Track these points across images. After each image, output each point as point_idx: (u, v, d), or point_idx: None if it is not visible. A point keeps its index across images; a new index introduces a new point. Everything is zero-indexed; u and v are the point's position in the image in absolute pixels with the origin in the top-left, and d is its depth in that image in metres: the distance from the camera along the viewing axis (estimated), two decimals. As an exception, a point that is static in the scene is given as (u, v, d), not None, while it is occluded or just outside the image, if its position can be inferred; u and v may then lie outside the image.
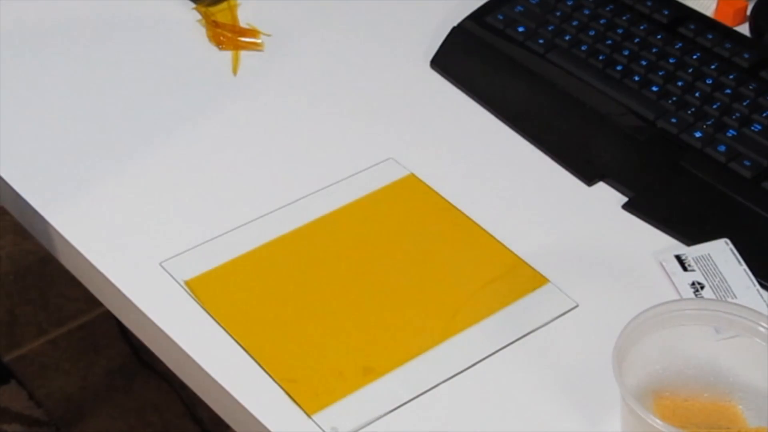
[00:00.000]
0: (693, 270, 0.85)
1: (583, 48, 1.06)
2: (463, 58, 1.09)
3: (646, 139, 0.98)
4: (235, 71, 1.08)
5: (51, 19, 1.16)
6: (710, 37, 1.05)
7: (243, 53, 1.11)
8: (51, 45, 1.10)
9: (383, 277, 0.86)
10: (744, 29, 1.09)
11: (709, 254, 0.86)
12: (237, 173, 0.95)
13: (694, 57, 1.03)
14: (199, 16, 1.16)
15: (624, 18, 1.08)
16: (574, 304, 0.85)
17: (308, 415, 0.77)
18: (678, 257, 0.87)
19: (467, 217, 0.92)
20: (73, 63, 1.09)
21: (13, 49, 1.10)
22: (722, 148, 0.95)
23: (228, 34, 1.13)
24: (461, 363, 0.81)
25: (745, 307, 0.75)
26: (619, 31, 1.07)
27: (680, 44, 1.04)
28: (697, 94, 1.00)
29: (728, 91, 0.99)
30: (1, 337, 1.83)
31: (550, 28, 1.08)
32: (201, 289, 0.86)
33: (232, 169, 0.95)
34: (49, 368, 1.80)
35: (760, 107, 0.98)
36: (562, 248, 0.90)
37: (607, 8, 1.09)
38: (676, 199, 0.94)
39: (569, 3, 1.10)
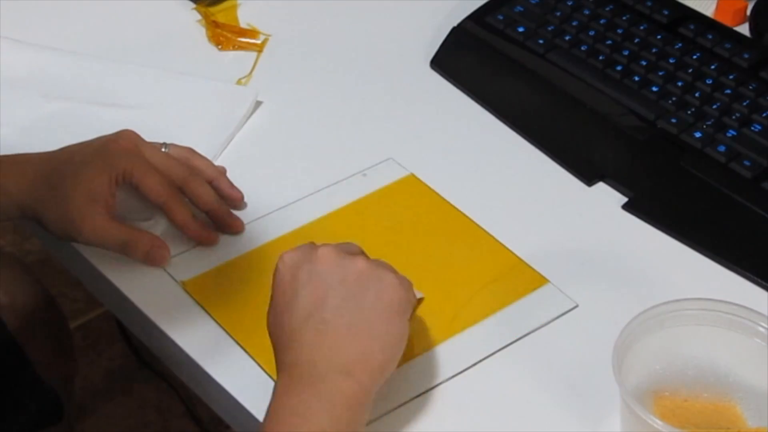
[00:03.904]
0: None
1: (583, 48, 1.06)
2: (463, 59, 1.09)
3: (646, 139, 0.98)
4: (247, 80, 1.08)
5: (51, 19, 1.16)
6: (710, 37, 1.05)
7: (244, 55, 1.11)
8: (51, 44, 1.10)
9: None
10: (744, 29, 1.09)
11: None
12: (237, 173, 0.95)
13: (694, 57, 1.03)
14: (199, 16, 1.16)
15: (624, 18, 1.08)
16: (574, 304, 0.85)
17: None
18: None
19: (467, 217, 0.92)
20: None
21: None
22: (722, 148, 0.95)
23: (228, 34, 1.13)
24: (461, 363, 0.81)
25: (745, 307, 0.75)
26: (619, 31, 1.07)
27: (680, 44, 1.04)
28: (697, 95, 1.00)
29: (728, 91, 0.99)
30: (1, 337, 1.83)
31: (550, 29, 1.08)
32: (198, 289, 0.86)
33: (232, 169, 0.95)
34: (49, 368, 1.80)
35: (760, 107, 0.97)
36: (562, 248, 0.90)
37: (607, 8, 1.09)
38: (676, 199, 0.94)
39: (569, 3, 1.10)
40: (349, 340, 0.72)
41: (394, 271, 0.76)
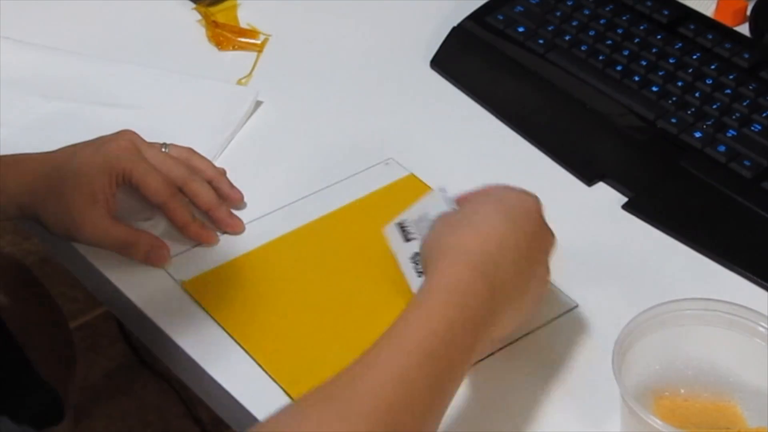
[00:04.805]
0: (415, 238, 0.81)
1: (583, 48, 1.06)
2: (463, 58, 1.09)
3: (646, 139, 0.98)
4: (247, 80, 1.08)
5: (51, 19, 1.16)
6: (710, 37, 1.05)
7: (244, 55, 1.11)
8: (51, 44, 1.10)
9: (383, 277, 0.85)
10: (744, 29, 1.09)
11: (426, 212, 0.81)
12: (237, 173, 0.95)
13: (694, 57, 1.03)
14: (199, 16, 1.16)
15: (624, 18, 1.08)
16: (574, 304, 0.85)
17: (308, 415, 0.77)
18: (400, 225, 0.82)
19: (467, 217, 0.92)
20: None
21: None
22: (722, 148, 0.95)
23: (228, 34, 1.13)
24: (461, 363, 0.81)
25: (745, 307, 0.75)
26: (619, 31, 1.07)
27: (680, 44, 1.04)
28: (697, 95, 1.00)
29: (728, 91, 0.99)
30: (2, 337, 1.83)
31: (550, 28, 1.08)
32: (198, 289, 0.86)
33: (232, 169, 0.95)
34: (49, 368, 1.79)
35: (760, 107, 0.98)
36: (562, 248, 0.89)
37: (607, 8, 1.09)
38: (676, 199, 0.94)
39: (569, 3, 1.10)
40: (510, 309, 0.74)
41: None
